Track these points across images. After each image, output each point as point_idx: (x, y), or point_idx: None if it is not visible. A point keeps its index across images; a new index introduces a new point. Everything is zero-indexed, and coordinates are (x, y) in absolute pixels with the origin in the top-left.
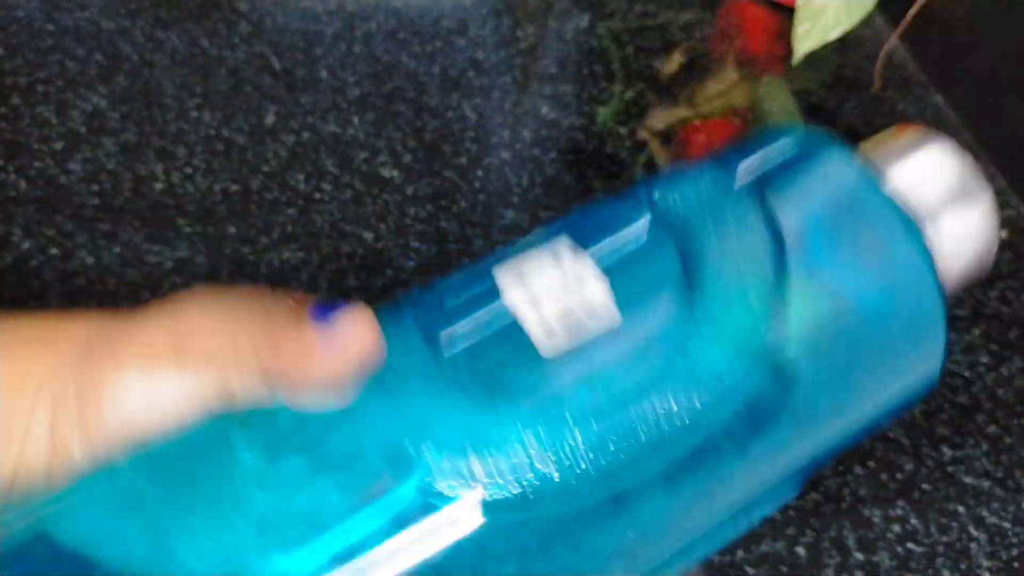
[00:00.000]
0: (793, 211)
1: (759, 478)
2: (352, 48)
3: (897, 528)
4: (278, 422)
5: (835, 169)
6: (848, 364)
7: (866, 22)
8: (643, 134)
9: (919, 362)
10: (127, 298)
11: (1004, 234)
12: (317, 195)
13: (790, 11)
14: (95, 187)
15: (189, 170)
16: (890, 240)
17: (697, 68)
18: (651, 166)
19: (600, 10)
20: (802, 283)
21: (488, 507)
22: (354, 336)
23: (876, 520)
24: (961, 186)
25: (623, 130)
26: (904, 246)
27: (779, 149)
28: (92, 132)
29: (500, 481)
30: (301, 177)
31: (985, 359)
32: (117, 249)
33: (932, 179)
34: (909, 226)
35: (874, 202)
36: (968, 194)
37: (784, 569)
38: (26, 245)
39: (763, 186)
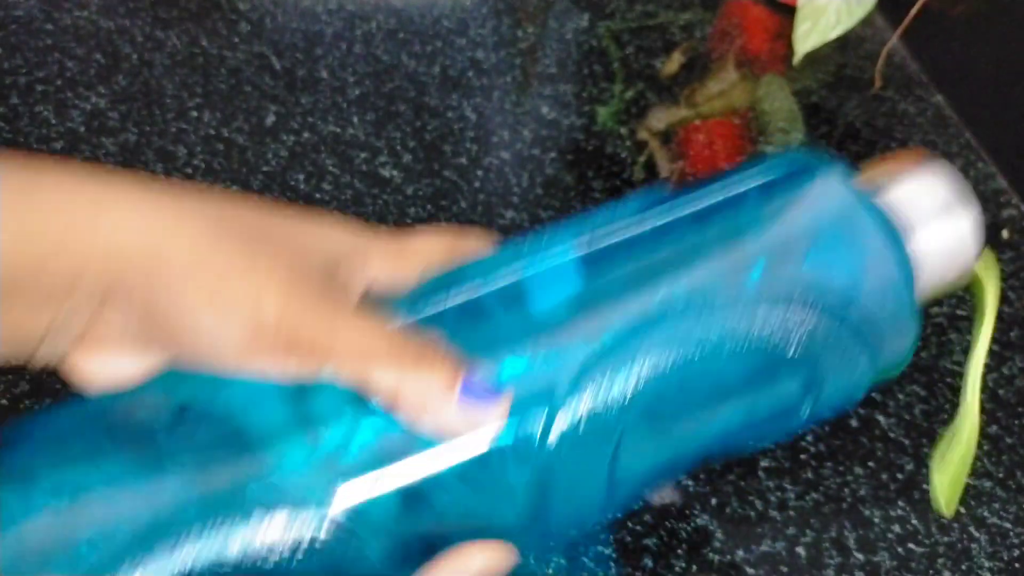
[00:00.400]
0: (792, 218)
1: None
2: (352, 48)
3: (897, 528)
4: None
5: (830, 184)
6: (835, 340)
7: (866, 22)
8: (643, 134)
9: (895, 340)
10: None
11: (1005, 234)
12: (317, 195)
13: (791, 11)
14: None
15: (189, 170)
16: (873, 245)
17: (697, 68)
18: (651, 166)
19: (600, 10)
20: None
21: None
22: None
23: (876, 520)
24: (947, 203)
25: (623, 130)
26: (884, 251)
27: (782, 166)
28: (92, 132)
29: None
30: (301, 177)
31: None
32: None
33: (920, 196)
34: (892, 235)
35: (862, 213)
36: (953, 210)
37: (784, 569)
38: None
39: (765, 199)
